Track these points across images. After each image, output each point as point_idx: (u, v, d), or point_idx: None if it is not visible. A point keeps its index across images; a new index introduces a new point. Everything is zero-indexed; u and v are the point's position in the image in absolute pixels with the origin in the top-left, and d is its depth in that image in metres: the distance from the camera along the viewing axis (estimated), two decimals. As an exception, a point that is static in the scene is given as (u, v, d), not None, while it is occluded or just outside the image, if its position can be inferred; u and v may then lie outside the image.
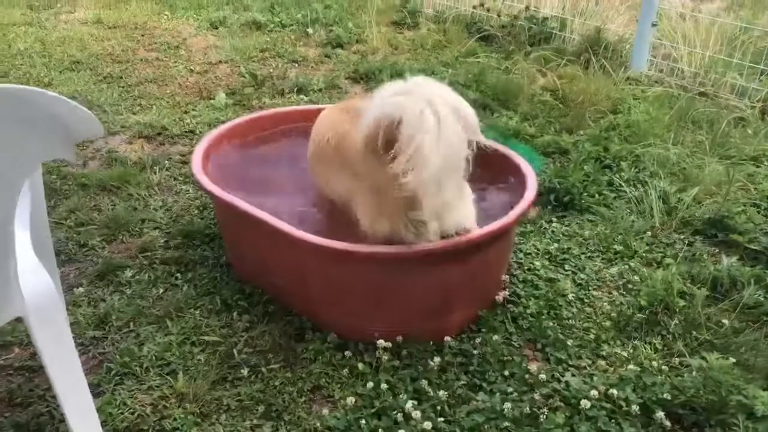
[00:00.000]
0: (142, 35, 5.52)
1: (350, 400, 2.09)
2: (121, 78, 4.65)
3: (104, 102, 4.22)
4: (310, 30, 5.63)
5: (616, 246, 2.95)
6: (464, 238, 2.19)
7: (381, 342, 2.27)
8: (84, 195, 3.25)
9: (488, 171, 2.65)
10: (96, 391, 2.14)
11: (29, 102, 1.29)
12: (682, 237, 3.03)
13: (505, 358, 2.29)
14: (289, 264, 2.40)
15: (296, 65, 5.02)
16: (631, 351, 2.36)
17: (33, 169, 1.41)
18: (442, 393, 2.10)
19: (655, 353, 2.34)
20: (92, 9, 6.10)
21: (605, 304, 2.61)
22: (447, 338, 2.33)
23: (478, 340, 2.35)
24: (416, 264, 2.20)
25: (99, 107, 4.15)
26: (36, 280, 1.61)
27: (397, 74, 4.64)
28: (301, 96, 4.39)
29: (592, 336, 2.42)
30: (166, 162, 3.56)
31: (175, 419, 2.05)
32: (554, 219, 3.17)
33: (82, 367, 2.21)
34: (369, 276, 2.25)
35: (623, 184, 3.40)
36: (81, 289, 2.63)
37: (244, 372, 2.23)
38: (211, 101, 4.29)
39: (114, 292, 2.64)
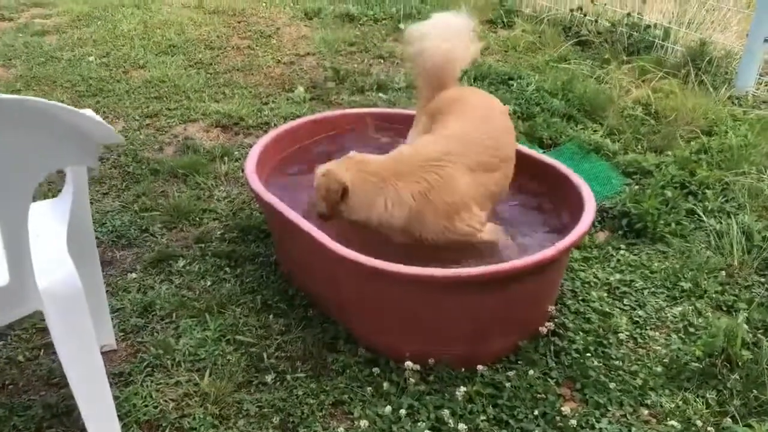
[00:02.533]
0: (239, 22, 5.64)
1: (365, 423, 2.04)
2: (211, 65, 4.77)
3: (189, 88, 4.34)
4: (402, 25, 5.56)
5: (684, 283, 2.74)
6: (501, 267, 2.09)
7: (409, 364, 2.20)
8: (154, 180, 3.36)
9: (543, 189, 2.52)
10: (126, 380, 2.21)
11: (44, 113, 1.32)
12: (762, 280, 2.78)
13: (539, 395, 2.17)
14: (326, 274, 2.37)
15: (382, 61, 4.98)
16: (680, 404, 2.18)
17: (47, 171, 1.44)
18: (462, 426, 2.01)
19: (706, 409, 2.15)
20: (196, -7, 6.29)
21: (660, 347, 2.43)
22: (480, 367, 2.24)
23: (512, 372, 2.25)
24: (449, 289, 2.11)
25: (184, 93, 4.28)
26: (59, 273, 1.65)
27: (482, 77, 4.53)
28: (380, 94, 4.34)
29: (638, 381, 2.26)
30: (236, 153, 3.61)
31: (194, 418, 2.08)
32: (623, 246, 2.98)
33: (119, 353, 2.32)
34: (401, 295, 2.18)
35: (705, 215, 3.15)
36: (134, 275, 2.71)
37: (270, 378, 2.22)
38: (290, 94, 4.32)
39: (164, 280, 2.70)
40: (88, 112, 1.60)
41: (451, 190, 2.34)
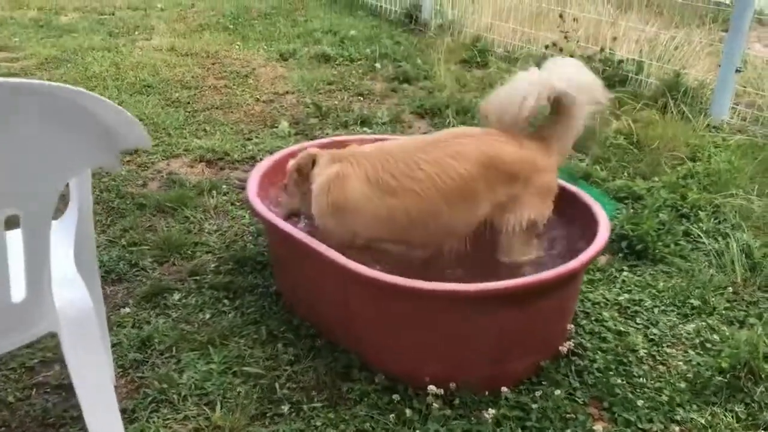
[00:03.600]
0: (213, 64, 5.59)
1: (395, 449, 1.93)
2: (189, 103, 4.69)
3: (169, 125, 4.24)
4: (378, 65, 5.60)
5: (692, 301, 2.72)
6: (523, 281, 2.03)
7: (432, 388, 2.11)
8: (140, 215, 3.23)
9: (555, 211, 2.48)
10: (131, 417, 2.05)
11: (74, 103, 1.22)
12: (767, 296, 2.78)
13: (568, 415, 2.09)
14: (337, 297, 2.27)
15: (362, 98, 4.97)
16: (710, 418, 2.12)
17: (69, 175, 1.34)
18: (496, 449, 1.92)
19: (737, 423, 2.10)
20: (167, 37, 6.24)
21: (680, 363, 2.38)
22: (504, 389, 2.15)
23: (538, 393, 2.16)
24: (476, 304, 2.04)
25: (164, 130, 4.17)
26: (72, 293, 1.53)
27: (464, 111, 4.55)
28: (365, 128, 4.31)
29: (665, 397, 2.20)
30: (224, 187, 3.51)
31: (208, 454, 1.93)
32: (625, 268, 2.96)
33: (120, 390, 2.16)
34: (423, 314, 2.09)
35: (702, 235, 3.16)
36: (127, 309, 2.57)
37: (285, 409, 2.10)
38: (274, 129, 4.26)
39: (160, 314, 2.56)
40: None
41: (341, 187, 2.33)
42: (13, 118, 1.15)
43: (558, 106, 2.40)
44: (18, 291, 1.38)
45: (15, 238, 1.38)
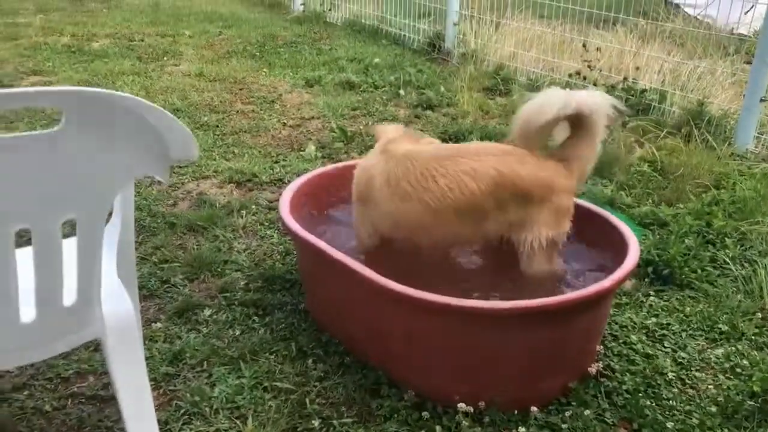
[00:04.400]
0: (240, 89, 5.70)
1: (426, 464, 1.94)
2: (217, 127, 4.78)
3: (198, 147, 4.31)
4: (401, 91, 5.68)
5: (721, 325, 2.71)
6: (557, 299, 2.05)
7: (462, 405, 2.12)
8: (171, 233, 3.29)
9: (585, 232, 2.51)
10: (164, 429, 2.08)
11: (132, 111, 1.27)
12: (797, 322, 2.76)
13: (598, 435, 2.09)
14: (367, 315, 2.30)
15: (386, 124, 5.03)
16: (741, 442, 2.11)
17: (125, 182, 1.39)
18: (527, 467, 1.92)
19: (769, 447, 2.09)
20: (196, 63, 6.38)
21: (710, 387, 2.37)
22: (533, 408, 2.16)
23: (567, 414, 2.16)
24: (511, 322, 2.05)
25: (193, 152, 4.25)
26: (117, 301, 1.58)
27: (487, 137, 4.59)
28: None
29: (695, 420, 2.19)
30: (253, 207, 3.57)
31: (240, 466, 1.95)
32: (652, 293, 2.96)
33: (153, 402, 2.19)
34: (457, 331, 2.11)
35: (729, 261, 3.16)
36: (159, 324, 2.61)
37: (316, 423, 2.12)
38: (301, 153, 4.33)
39: (191, 330, 2.60)
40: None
41: (366, 181, 2.54)
42: (75, 124, 1.20)
43: (578, 125, 2.45)
44: (69, 295, 1.43)
45: (67, 245, 1.43)
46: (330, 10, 8.64)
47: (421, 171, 2.39)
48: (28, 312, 1.41)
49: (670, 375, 2.41)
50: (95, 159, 1.26)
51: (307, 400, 2.22)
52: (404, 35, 7.41)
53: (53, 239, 1.32)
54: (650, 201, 3.82)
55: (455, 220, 2.39)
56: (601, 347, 2.47)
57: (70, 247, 1.42)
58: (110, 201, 1.35)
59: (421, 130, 4.88)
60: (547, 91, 2.46)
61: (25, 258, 1.39)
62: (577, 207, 2.70)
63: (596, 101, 2.43)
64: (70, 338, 1.50)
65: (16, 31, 7.48)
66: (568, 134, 2.50)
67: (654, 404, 2.26)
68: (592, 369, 2.33)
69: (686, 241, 3.27)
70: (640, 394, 2.29)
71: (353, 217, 2.67)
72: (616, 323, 2.70)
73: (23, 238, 1.42)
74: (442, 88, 5.77)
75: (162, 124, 1.34)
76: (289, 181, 3.71)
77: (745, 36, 6.48)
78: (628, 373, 2.39)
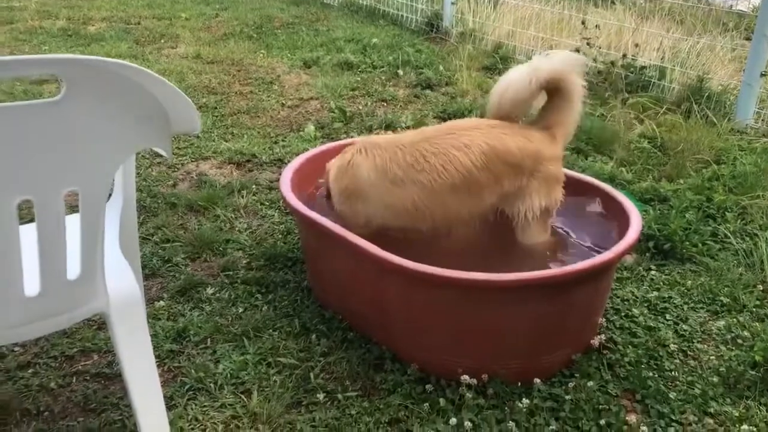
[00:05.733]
0: (238, 71, 5.68)
1: (431, 435, 1.95)
2: (216, 108, 4.76)
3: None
4: (400, 71, 5.65)
5: (722, 298, 2.72)
6: (560, 270, 2.05)
7: (465, 378, 2.13)
8: (172, 213, 3.28)
9: (587, 206, 2.51)
10: (169, 404, 2.08)
11: (130, 80, 1.26)
12: (798, 294, 2.77)
13: (601, 406, 2.10)
14: (370, 290, 2.30)
15: (385, 104, 5.02)
16: (744, 411, 2.12)
17: (127, 153, 1.38)
18: (531, 437, 1.93)
19: (771, 416, 2.10)
20: (193, 45, 6.34)
21: (712, 358, 2.38)
22: (537, 380, 2.17)
23: (570, 385, 2.17)
24: (513, 295, 2.06)
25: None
26: (121, 276, 1.58)
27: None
28: (389, 132, 4.35)
29: (697, 391, 2.20)
30: (254, 187, 3.57)
31: (246, 439, 1.96)
32: (653, 267, 2.96)
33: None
34: (458, 305, 2.12)
35: (729, 235, 3.16)
36: (162, 303, 2.61)
37: (320, 397, 2.12)
38: (301, 133, 4.32)
39: (194, 308, 2.61)
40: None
41: (353, 174, 2.43)
42: (75, 92, 1.19)
43: (553, 92, 2.46)
44: (73, 269, 1.43)
45: (70, 220, 1.42)
46: (327, -9, 8.58)
47: (411, 152, 2.36)
48: (32, 285, 1.40)
49: (672, 347, 2.42)
50: (95, 128, 1.25)
51: (312, 375, 2.23)
52: (402, 15, 7.36)
53: (56, 211, 1.31)
54: (651, 177, 3.82)
55: (453, 197, 2.37)
56: (604, 320, 2.48)
57: (73, 221, 1.42)
58: (112, 173, 1.35)
59: (420, 110, 4.87)
60: (512, 70, 2.45)
61: (29, 233, 1.39)
62: (579, 181, 2.70)
63: (565, 64, 2.42)
64: (74, 312, 1.50)
65: (11, 15, 7.43)
66: (546, 101, 2.50)
67: (656, 375, 2.27)
68: (595, 342, 2.34)
69: (687, 215, 3.27)
70: (643, 366, 2.30)
71: (341, 220, 2.47)
72: (618, 297, 2.70)
73: (28, 216, 1.42)
74: (441, 68, 5.74)
75: (164, 95, 1.33)
76: (289, 161, 3.72)
77: (745, 12, 6.44)
78: (630, 346, 2.40)
